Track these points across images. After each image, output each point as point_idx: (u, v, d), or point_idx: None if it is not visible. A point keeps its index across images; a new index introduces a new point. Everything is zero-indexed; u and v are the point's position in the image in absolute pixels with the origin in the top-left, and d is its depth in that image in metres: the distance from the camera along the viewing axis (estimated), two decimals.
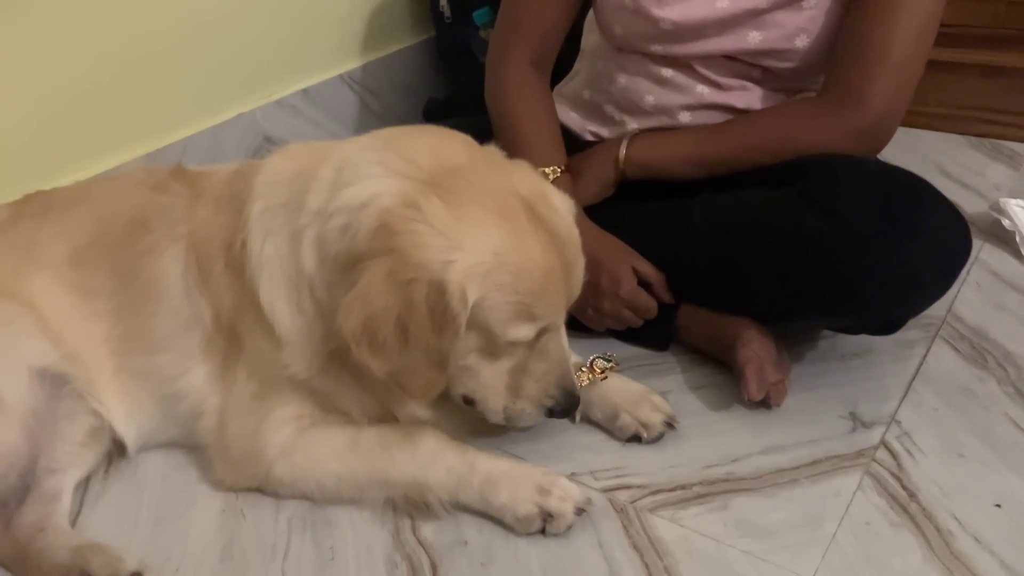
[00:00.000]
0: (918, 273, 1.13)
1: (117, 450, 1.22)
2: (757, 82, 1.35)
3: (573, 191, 1.32)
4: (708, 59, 1.34)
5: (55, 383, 1.12)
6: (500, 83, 1.45)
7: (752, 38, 1.29)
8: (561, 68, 1.72)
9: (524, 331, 1.04)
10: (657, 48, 1.35)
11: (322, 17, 2.09)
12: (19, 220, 1.23)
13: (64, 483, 1.14)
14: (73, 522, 1.13)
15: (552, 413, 1.12)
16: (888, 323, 1.28)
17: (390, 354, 0.99)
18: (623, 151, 1.36)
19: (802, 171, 1.21)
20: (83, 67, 1.64)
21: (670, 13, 1.30)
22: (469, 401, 1.13)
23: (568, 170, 1.38)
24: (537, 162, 1.21)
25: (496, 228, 0.99)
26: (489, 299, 1.00)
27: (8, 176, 1.51)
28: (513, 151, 1.19)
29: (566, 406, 1.11)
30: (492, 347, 1.06)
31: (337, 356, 1.08)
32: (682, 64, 1.36)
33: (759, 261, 1.21)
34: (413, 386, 1.03)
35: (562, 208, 1.09)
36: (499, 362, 1.08)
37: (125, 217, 1.20)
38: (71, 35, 1.60)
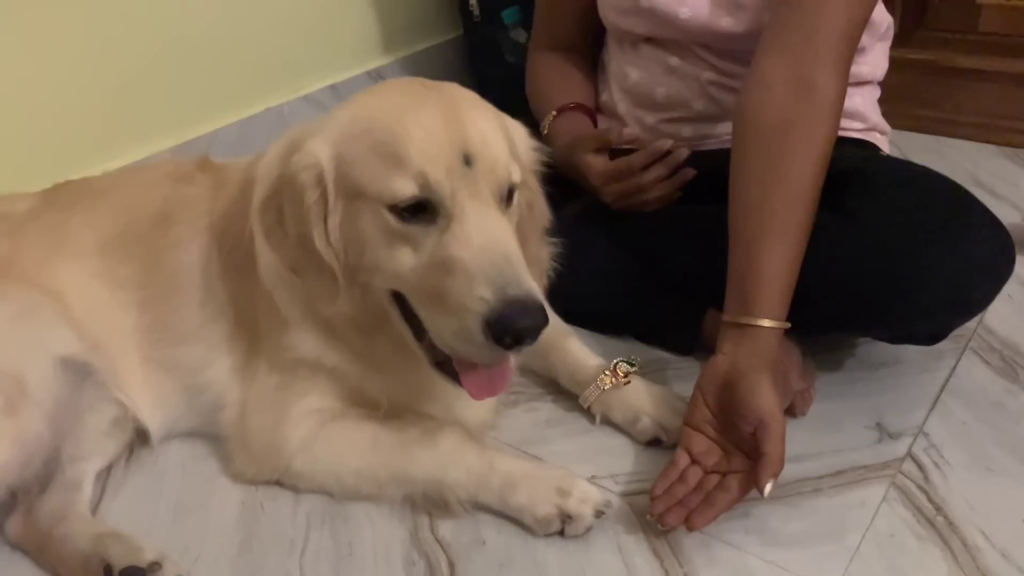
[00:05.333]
0: (959, 289, 1.10)
1: (139, 439, 1.23)
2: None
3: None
4: (700, 45, 1.35)
5: (79, 372, 1.13)
6: (528, 69, 1.60)
7: (725, 22, 1.29)
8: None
9: (400, 183, 0.92)
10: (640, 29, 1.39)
11: (350, 13, 2.10)
12: (47, 209, 1.24)
13: (86, 471, 1.15)
14: (94, 510, 1.14)
15: (496, 331, 0.87)
16: (927, 336, 1.26)
17: (280, 242, 1.00)
18: None
19: (840, 179, 1.17)
20: (113, 60, 1.65)
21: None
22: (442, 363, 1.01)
23: (583, 109, 1.48)
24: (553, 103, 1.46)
25: (361, 98, 1.02)
26: (347, 154, 0.96)
27: (37, 165, 1.53)
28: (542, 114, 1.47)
29: (505, 311, 0.87)
30: (385, 225, 0.94)
31: (340, 335, 1.08)
32: (684, 49, 1.36)
33: None
34: (318, 292, 1.01)
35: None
36: (405, 250, 0.95)
37: (152, 209, 1.21)
38: (100, 28, 1.62)
